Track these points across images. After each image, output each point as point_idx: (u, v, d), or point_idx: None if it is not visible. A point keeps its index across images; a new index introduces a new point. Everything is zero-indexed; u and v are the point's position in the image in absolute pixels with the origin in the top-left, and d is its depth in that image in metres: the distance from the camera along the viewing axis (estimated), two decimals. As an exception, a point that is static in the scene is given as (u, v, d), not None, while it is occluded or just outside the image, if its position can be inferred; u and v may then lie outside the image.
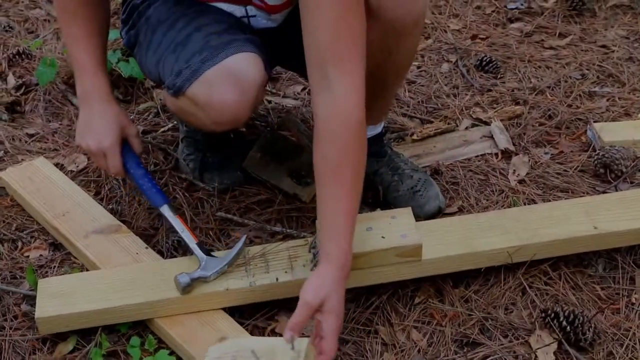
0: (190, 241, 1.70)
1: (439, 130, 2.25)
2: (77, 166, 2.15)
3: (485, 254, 1.70)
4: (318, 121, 1.52)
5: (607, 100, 2.39)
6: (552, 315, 1.62)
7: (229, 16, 1.75)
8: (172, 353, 1.61)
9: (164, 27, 1.74)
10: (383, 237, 1.64)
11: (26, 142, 2.26)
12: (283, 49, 1.85)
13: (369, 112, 1.91)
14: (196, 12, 1.73)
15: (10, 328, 1.66)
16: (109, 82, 1.77)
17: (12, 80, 2.49)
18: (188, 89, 1.62)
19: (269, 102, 2.42)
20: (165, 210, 1.75)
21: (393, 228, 1.65)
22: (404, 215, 1.69)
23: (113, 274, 1.70)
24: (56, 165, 2.11)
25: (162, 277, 1.66)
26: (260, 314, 1.69)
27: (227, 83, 1.60)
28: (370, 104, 1.88)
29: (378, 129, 1.99)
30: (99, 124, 1.74)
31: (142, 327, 1.66)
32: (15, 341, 1.64)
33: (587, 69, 2.55)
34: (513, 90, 2.44)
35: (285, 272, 1.65)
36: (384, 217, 1.69)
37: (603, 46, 2.69)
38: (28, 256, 1.86)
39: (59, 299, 1.63)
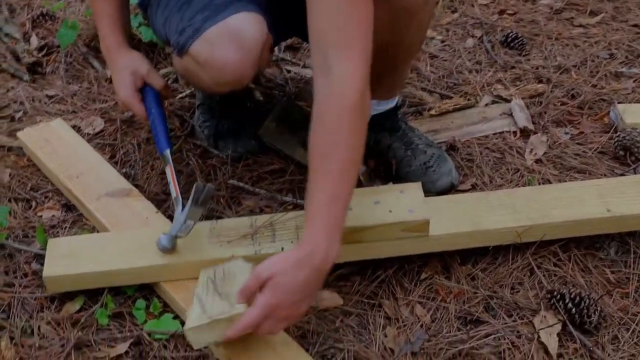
0: (172, 193, 1.71)
1: (457, 106, 2.22)
2: (94, 129, 2.16)
3: (493, 233, 1.68)
4: (315, 104, 1.48)
5: (634, 81, 2.33)
6: (558, 296, 1.60)
7: None
8: (176, 317, 1.62)
9: None
10: (390, 211, 1.63)
11: (45, 103, 2.28)
12: (299, 17, 1.83)
13: (380, 88, 1.91)
14: None
15: (20, 286, 1.69)
16: (122, 30, 1.82)
17: (34, 42, 2.50)
18: (190, 47, 1.63)
19: (288, 71, 2.41)
20: (163, 156, 1.77)
21: (401, 202, 1.64)
22: (413, 190, 1.67)
23: (121, 237, 1.71)
24: (73, 127, 2.13)
25: (170, 242, 1.67)
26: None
27: (228, 41, 1.60)
28: (381, 81, 1.86)
29: (391, 103, 1.97)
30: (115, 77, 1.81)
31: (148, 290, 1.68)
32: (24, 299, 1.67)
33: (616, 49, 2.49)
34: (537, 68, 2.39)
35: (292, 242, 1.65)
36: (393, 191, 1.68)
37: (635, 25, 2.62)
38: (41, 216, 1.88)
39: (67, 259, 1.65)
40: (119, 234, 1.74)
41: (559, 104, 2.23)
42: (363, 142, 1.48)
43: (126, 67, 1.79)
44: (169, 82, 2.35)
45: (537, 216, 1.68)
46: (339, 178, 1.43)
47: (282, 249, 1.63)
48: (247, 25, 1.61)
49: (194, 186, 1.62)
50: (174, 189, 1.71)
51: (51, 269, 1.63)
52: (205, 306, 1.45)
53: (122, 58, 1.80)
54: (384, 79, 1.85)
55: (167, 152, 1.76)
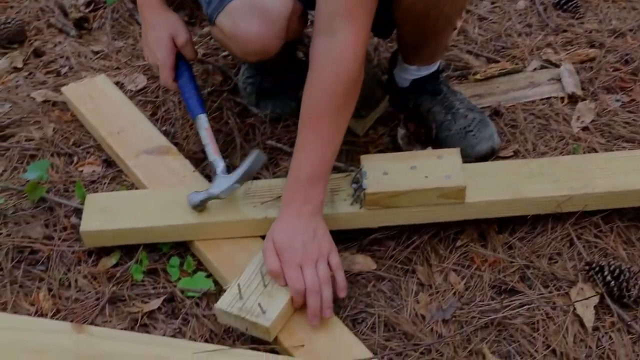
0: (211, 155, 1.70)
1: (504, 71, 2.16)
2: (137, 86, 2.17)
3: (533, 201, 1.63)
4: (312, 64, 1.54)
5: (692, 47, 2.24)
6: (597, 268, 1.56)
7: None
8: (209, 275, 1.64)
9: None
10: (426, 177, 1.60)
11: (91, 59, 2.30)
12: None
13: (420, 56, 1.89)
14: None
15: (59, 239, 1.72)
16: None
17: (82, -3, 2.52)
18: (216, 19, 1.64)
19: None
20: (199, 120, 1.75)
21: (438, 168, 1.61)
22: (451, 155, 1.64)
23: (158, 195, 1.73)
24: (116, 83, 2.14)
25: (205, 200, 1.67)
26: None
27: (251, 14, 1.60)
28: (420, 49, 1.84)
29: (432, 68, 1.93)
30: (150, 36, 1.76)
31: (182, 248, 1.69)
32: (62, 252, 1.70)
33: (676, 12, 2.39)
34: (590, 32, 2.31)
35: (326, 204, 1.63)
36: (430, 156, 1.65)
37: (696, -12, 2.51)
38: (82, 171, 1.91)
39: (104, 214, 1.67)
40: (155, 191, 1.75)
41: (611, 69, 2.15)
42: (351, 111, 1.57)
43: (165, 28, 1.75)
44: (212, 40, 2.34)
45: (579, 186, 1.63)
46: (324, 143, 1.54)
47: (317, 211, 1.62)
48: None
49: (255, 153, 1.64)
50: (213, 151, 1.71)
51: (89, 223, 1.66)
52: (243, 295, 1.47)
53: (160, 16, 1.76)
54: (423, 47, 1.82)
55: (204, 116, 1.75)
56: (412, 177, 1.60)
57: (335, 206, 1.64)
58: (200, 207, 1.64)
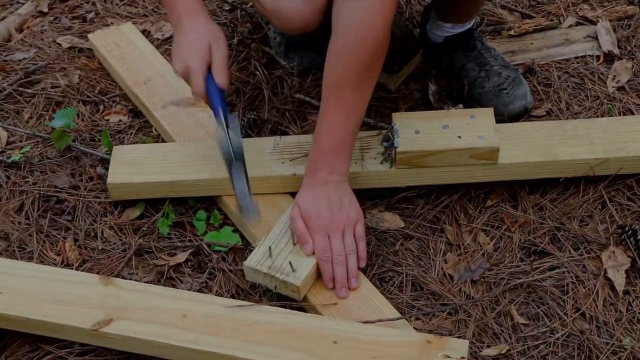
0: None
1: (538, 27, 2.11)
2: (163, 34, 2.14)
3: (565, 164, 1.60)
4: (335, 28, 1.47)
5: None
6: (630, 232, 1.53)
7: None
8: (235, 230, 1.63)
9: None
10: (459, 137, 1.57)
11: (117, 5, 2.26)
12: None
13: (455, 15, 1.84)
14: None
15: (85, 189, 1.71)
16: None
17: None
18: None
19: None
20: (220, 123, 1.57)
21: (470, 128, 1.58)
22: (485, 115, 1.61)
23: (184, 148, 1.70)
24: (143, 32, 2.11)
25: (233, 154, 1.65)
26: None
27: None
28: (457, 8, 1.78)
29: (467, 25, 1.88)
30: (185, 42, 1.56)
31: (209, 202, 1.68)
32: (89, 202, 1.69)
33: None
34: (628, -12, 2.24)
35: (355, 162, 1.61)
36: (463, 115, 1.61)
37: None
38: (108, 120, 1.89)
39: (131, 167, 1.66)
40: (182, 144, 1.73)
41: (649, 28, 2.09)
42: (376, 78, 1.51)
43: (204, 36, 1.56)
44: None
45: (614, 149, 1.60)
46: (348, 112, 1.49)
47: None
48: None
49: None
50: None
51: (115, 176, 1.64)
52: (273, 253, 1.47)
53: (202, 25, 1.58)
54: (462, 6, 1.77)
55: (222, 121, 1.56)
56: (445, 136, 1.57)
57: (365, 164, 1.61)
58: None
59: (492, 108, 1.64)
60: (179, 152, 1.69)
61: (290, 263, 1.44)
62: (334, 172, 1.50)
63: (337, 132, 1.50)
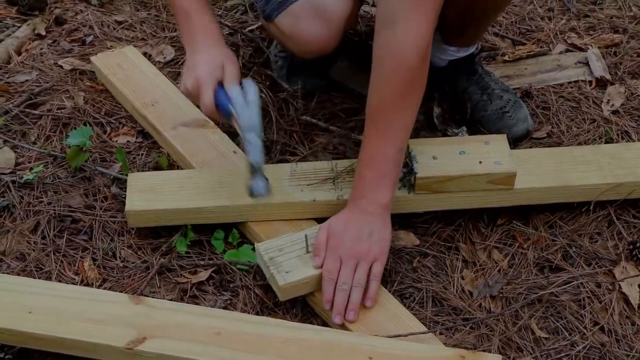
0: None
1: (531, 53, 2.19)
2: (165, 57, 2.15)
3: (578, 189, 1.66)
4: (374, 60, 1.49)
5: None
6: (641, 248, 1.60)
7: None
8: (255, 248, 1.63)
9: None
10: (476, 163, 1.61)
11: (114, 28, 2.26)
12: None
13: (462, 38, 1.90)
14: None
15: (101, 209, 1.70)
16: (217, 23, 1.64)
17: (102, -35, 2.47)
18: (276, 18, 1.65)
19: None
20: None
21: (486, 154, 1.62)
22: (499, 141, 1.65)
23: (201, 175, 1.70)
24: (144, 54, 2.11)
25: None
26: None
27: (312, 17, 1.62)
28: (465, 31, 1.85)
29: (470, 50, 1.95)
30: (199, 62, 1.55)
31: (226, 220, 1.69)
32: (105, 222, 1.68)
33: (691, 2, 2.43)
34: (612, 18, 2.34)
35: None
36: (478, 142, 1.66)
37: None
38: (116, 141, 1.88)
39: (148, 194, 1.64)
40: (199, 171, 1.72)
41: (635, 55, 2.19)
42: (419, 101, 1.51)
43: (218, 55, 1.56)
44: (237, 13, 2.33)
45: (623, 174, 1.67)
46: (390, 139, 1.49)
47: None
48: (332, 1, 1.63)
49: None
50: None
51: (133, 203, 1.62)
52: (284, 249, 1.50)
53: (216, 44, 1.59)
54: (467, 30, 1.83)
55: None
56: (462, 162, 1.61)
57: (384, 190, 1.63)
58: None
59: (505, 134, 1.69)
60: (196, 179, 1.68)
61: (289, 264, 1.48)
62: (374, 202, 1.50)
63: (377, 160, 1.50)
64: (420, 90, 1.50)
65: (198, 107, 1.65)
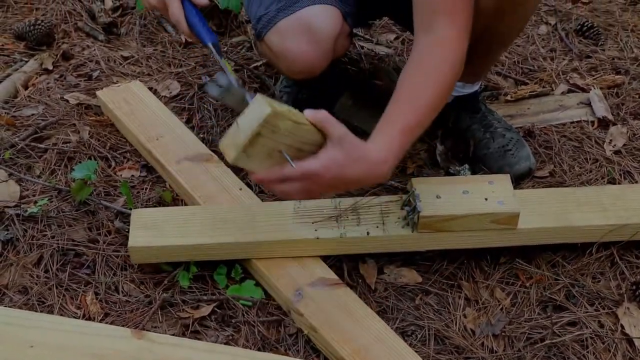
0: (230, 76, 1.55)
1: (534, 93, 2.21)
2: (170, 92, 2.17)
3: (581, 230, 1.66)
4: (414, 53, 1.52)
5: None
6: (644, 289, 1.60)
7: None
8: (257, 284, 1.63)
9: None
10: (480, 202, 1.61)
11: (120, 64, 2.29)
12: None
13: (468, 72, 1.89)
14: None
15: (104, 243, 1.71)
16: None
17: (109, 2, 2.51)
18: (265, 36, 1.67)
19: (362, 47, 2.40)
20: (213, 48, 1.59)
21: (490, 193, 1.62)
22: (502, 181, 1.65)
23: (205, 211, 1.70)
24: (149, 89, 2.13)
25: (254, 219, 1.66)
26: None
27: (299, 34, 1.63)
28: (471, 65, 1.86)
29: (475, 87, 1.96)
30: None
31: (229, 255, 1.69)
32: (108, 256, 1.68)
33: (693, 44, 2.46)
34: (613, 59, 2.37)
35: (377, 226, 1.64)
36: (481, 181, 1.66)
37: None
38: (121, 175, 1.89)
39: (152, 231, 1.64)
40: (202, 208, 1.73)
41: (637, 96, 2.21)
42: (447, 97, 1.54)
43: None
44: (243, 50, 2.35)
45: (627, 215, 1.67)
46: (420, 113, 1.48)
47: (368, 233, 1.63)
48: (320, 19, 1.65)
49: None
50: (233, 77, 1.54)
51: (136, 240, 1.62)
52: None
53: None
54: (474, 64, 1.83)
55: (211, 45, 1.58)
56: (466, 201, 1.61)
57: (387, 228, 1.64)
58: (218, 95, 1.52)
59: (508, 174, 1.69)
60: (200, 215, 1.68)
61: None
62: (385, 171, 1.44)
63: (410, 133, 1.47)
64: (452, 89, 1.57)
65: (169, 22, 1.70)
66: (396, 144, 1.45)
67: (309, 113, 1.39)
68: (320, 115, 1.39)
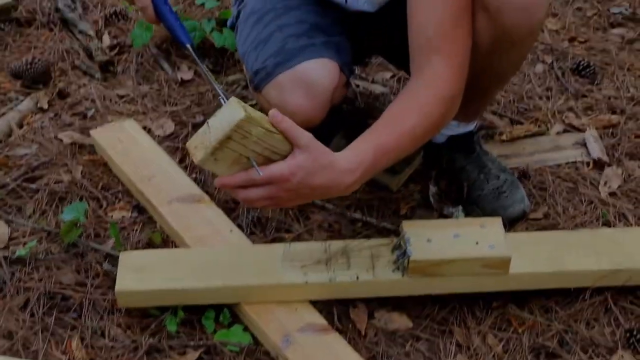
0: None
1: (529, 133, 2.20)
2: (164, 131, 2.17)
3: (574, 275, 1.64)
4: (406, 86, 1.53)
5: None
6: (638, 336, 1.57)
7: (315, 12, 1.75)
8: (246, 329, 1.61)
9: (253, 18, 1.78)
10: (471, 246, 1.59)
11: (116, 102, 2.29)
12: (377, 36, 1.84)
13: (464, 111, 1.89)
14: (284, 8, 1.76)
15: (91, 286, 1.69)
16: None
17: (107, 40, 2.52)
18: (263, 89, 1.68)
19: (357, 86, 2.40)
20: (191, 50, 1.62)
21: (481, 237, 1.60)
22: (494, 224, 1.63)
23: (194, 254, 1.69)
24: (143, 128, 2.13)
25: (243, 262, 1.65)
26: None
27: (298, 89, 1.64)
28: (467, 104, 1.85)
29: (470, 127, 1.95)
30: None
31: (218, 299, 1.67)
32: (95, 299, 1.67)
33: (690, 84, 2.45)
34: (609, 99, 2.36)
35: (367, 271, 1.62)
36: (473, 224, 1.64)
37: None
38: (112, 216, 1.88)
39: (140, 274, 1.62)
40: (192, 250, 1.71)
41: (633, 136, 2.19)
42: (432, 131, 1.55)
43: None
44: (238, 89, 2.36)
45: (620, 260, 1.65)
46: (399, 138, 1.48)
47: (357, 277, 1.61)
48: (318, 73, 1.65)
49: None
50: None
51: (123, 283, 1.60)
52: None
53: None
54: (470, 103, 1.83)
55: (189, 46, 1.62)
56: (457, 245, 1.60)
57: (377, 272, 1.61)
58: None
59: (500, 217, 1.67)
60: (188, 258, 1.67)
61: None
62: (351, 186, 1.45)
63: (386, 156, 1.48)
64: (440, 128, 1.60)
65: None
66: (367, 159, 1.45)
67: (275, 117, 1.37)
68: (287, 123, 1.38)
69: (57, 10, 2.59)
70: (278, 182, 1.38)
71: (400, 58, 1.59)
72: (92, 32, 2.51)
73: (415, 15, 1.53)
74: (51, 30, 2.56)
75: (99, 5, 2.67)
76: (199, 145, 1.33)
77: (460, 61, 1.54)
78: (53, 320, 1.62)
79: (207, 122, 1.33)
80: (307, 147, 1.39)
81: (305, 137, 1.40)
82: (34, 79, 2.32)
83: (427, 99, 1.51)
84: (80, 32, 2.53)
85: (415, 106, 1.51)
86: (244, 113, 1.30)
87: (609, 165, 2.07)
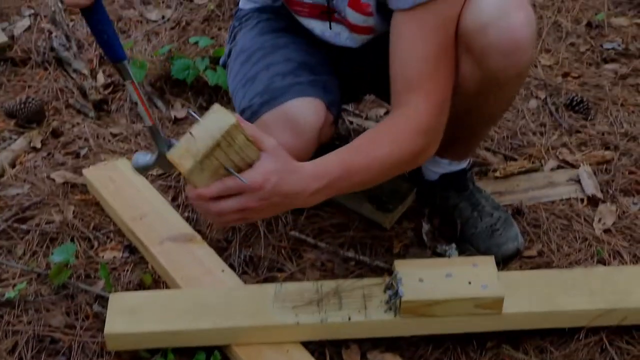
0: (147, 121, 1.59)
1: (523, 169, 2.19)
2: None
3: (568, 314, 1.63)
4: (386, 117, 1.55)
5: None
6: (633, 377, 1.55)
7: (302, 51, 1.76)
8: (237, 371, 1.60)
9: (242, 57, 1.79)
10: (463, 286, 1.58)
11: (109, 141, 2.29)
12: (362, 73, 1.84)
13: (455, 151, 1.90)
14: (272, 47, 1.77)
15: (81, 328, 1.67)
16: None
17: (101, 79, 2.53)
18: None
19: (351, 122, 2.40)
20: (125, 66, 1.51)
21: (474, 277, 1.59)
22: (486, 264, 1.62)
23: (185, 296, 1.67)
24: (137, 167, 2.12)
25: (234, 303, 1.64)
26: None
27: (283, 128, 1.63)
28: (457, 144, 1.86)
29: (462, 165, 1.95)
30: None
31: (208, 341, 1.65)
32: (85, 342, 1.65)
33: (684, 118, 2.45)
34: (603, 134, 2.36)
35: (359, 311, 1.60)
36: (465, 264, 1.63)
37: (703, 95, 2.58)
38: (103, 256, 1.87)
39: (130, 316, 1.60)
40: (183, 292, 1.70)
41: (627, 172, 2.19)
42: (405, 163, 1.57)
43: None
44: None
45: (615, 299, 1.63)
46: (368, 162, 1.49)
47: (349, 318, 1.59)
48: (304, 111, 1.65)
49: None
50: (147, 115, 1.55)
51: (112, 325, 1.58)
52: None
53: None
54: (459, 142, 1.84)
55: (127, 62, 1.50)
56: (449, 285, 1.58)
57: (369, 313, 1.60)
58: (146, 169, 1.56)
59: (493, 256, 1.67)
60: (178, 300, 1.65)
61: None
62: (310, 200, 1.46)
63: (349, 178, 1.48)
64: (411, 165, 1.62)
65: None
66: (334, 172, 1.46)
67: (241, 120, 1.36)
68: (252, 127, 1.39)
69: (52, 49, 2.60)
70: (252, 190, 1.37)
71: (389, 94, 1.59)
72: (86, 71, 2.52)
73: (397, 52, 1.54)
74: (46, 69, 2.57)
75: (94, 44, 2.68)
76: (185, 154, 1.30)
77: (441, 99, 1.54)
78: (41, 364, 1.60)
79: (190, 132, 1.31)
80: (274, 151, 1.40)
81: (271, 140, 1.40)
82: (27, 118, 2.32)
83: (403, 130, 1.52)
84: (75, 70, 2.54)
85: (389, 134, 1.52)
86: (234, 118, 1.29)
87: (603, 201, 2.06)
